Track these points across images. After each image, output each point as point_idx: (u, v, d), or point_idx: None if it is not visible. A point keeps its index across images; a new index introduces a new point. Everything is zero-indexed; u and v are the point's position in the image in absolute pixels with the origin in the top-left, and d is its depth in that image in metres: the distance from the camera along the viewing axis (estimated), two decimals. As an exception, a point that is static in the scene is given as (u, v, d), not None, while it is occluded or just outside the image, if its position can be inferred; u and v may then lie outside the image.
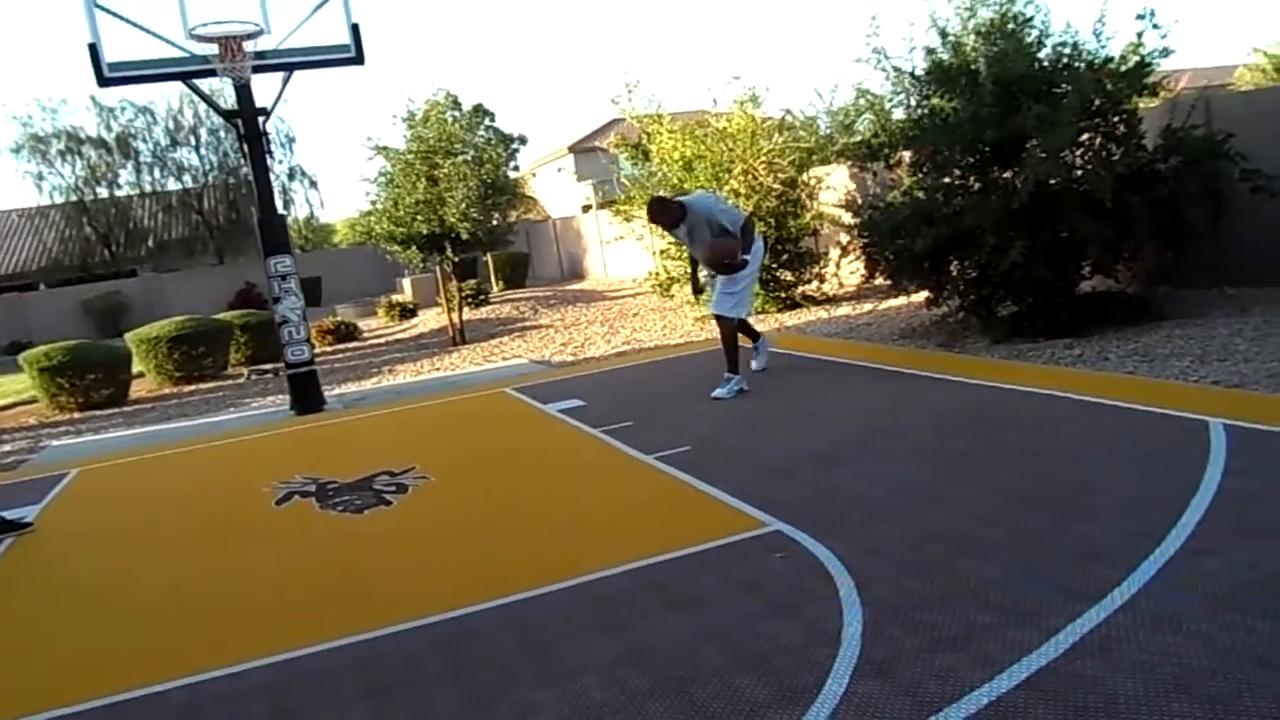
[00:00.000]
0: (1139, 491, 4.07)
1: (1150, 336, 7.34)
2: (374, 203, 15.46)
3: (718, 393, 7.26)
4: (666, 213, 7.47)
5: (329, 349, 17.25)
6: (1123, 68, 7.78)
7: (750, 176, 11.81)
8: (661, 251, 13.47)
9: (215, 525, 5.67)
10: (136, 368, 14.30)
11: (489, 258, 24.57)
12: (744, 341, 7.81)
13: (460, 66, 68.15)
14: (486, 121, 16.26)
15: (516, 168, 22.98)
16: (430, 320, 19.50)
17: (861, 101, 9.66)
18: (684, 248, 8.36)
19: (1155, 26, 7.75)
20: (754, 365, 8.00)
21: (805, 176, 12.52)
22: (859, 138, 9.75)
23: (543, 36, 72.13)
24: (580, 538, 4.52)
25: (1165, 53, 7.75)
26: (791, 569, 3.72)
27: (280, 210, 10.82)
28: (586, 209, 28.70)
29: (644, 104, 12.97)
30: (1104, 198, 7.19)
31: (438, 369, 12.49)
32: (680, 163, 12.22)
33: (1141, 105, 8.13)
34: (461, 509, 5.31)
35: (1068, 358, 7.12)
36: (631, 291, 19.18)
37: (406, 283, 24.68)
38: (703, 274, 8.16)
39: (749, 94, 12.53)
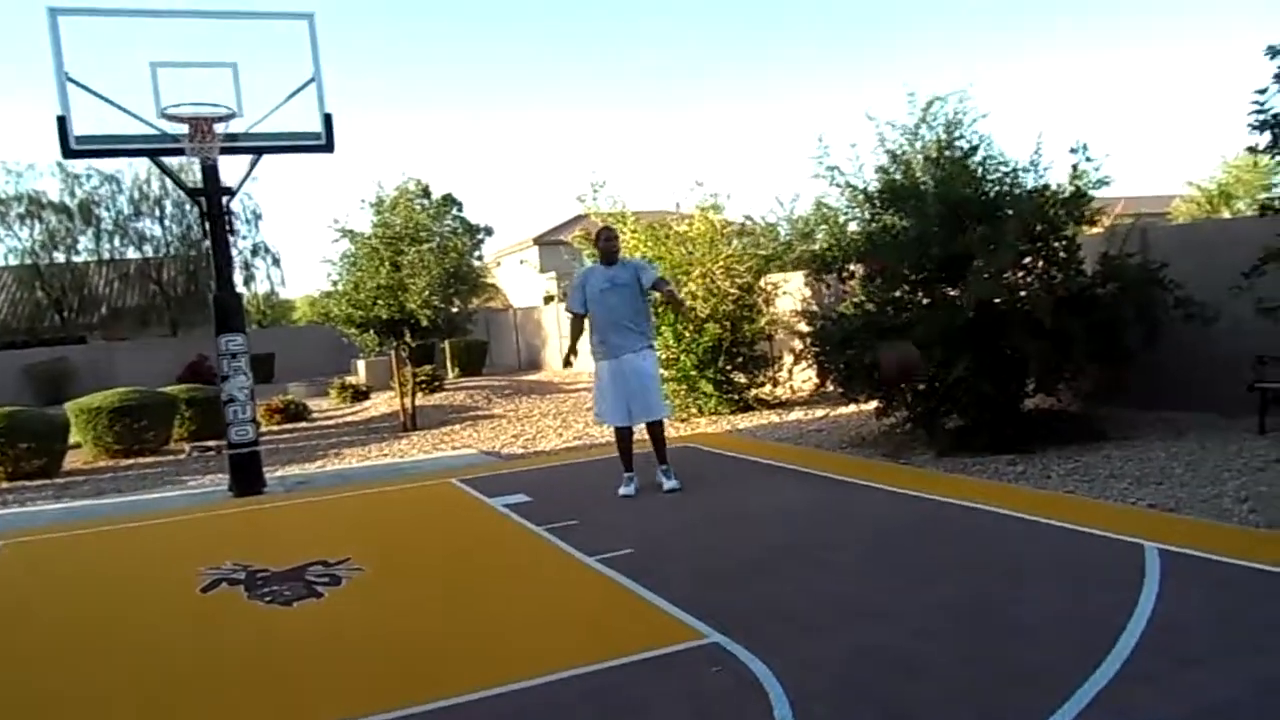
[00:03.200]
0: (1076, 614, 4.09)
1: (1091, 456, 7.48)
2: (335, 284, 15.47)
3: (671, 485, 7.43)
4: (616, 240, 7.73)
5: (276, 428, 16.95)
6: (1061, 196, 8.13)
7: (708, 280, 12.03)
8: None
9: (133, 610, 5.46)
10: (74, 438, 13.92)
11: (446, 344, 24.53)
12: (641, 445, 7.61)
13: (432, 154, 69.17)
14: (455, 211, 16.48)
15: (480, 257, 23.17)
16: (382, 404, 19.30)
17: (821, 213, 10.03)
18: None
19: (1088, 159, 8.16)
20: (666, 485, 7.51)
21: (762, 282, 12.78)
22: (818, 246, 10.06)
23: (517, 130, 73.70)
24: (515, 640, 4.42)
25: (1101, 183, 8.15)
26: (727, 684, 3.66)
27: (240, 288, 10.76)
28: (548, 300, 28.88)
29: (608, 203, 13.22)
30: (1044, 318, 7.43)
31: (385, 455, 12.32)
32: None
33: (1081, 232, 8.47)
34: (394, 605, 5.17)
35: (1010, 474, 7.22)
36: (587, 385, 19.18)
37: (361, 364, 24.49)
38: (599, 359, 7.53)
39: (711, 200, 12.86)
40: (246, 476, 9.47)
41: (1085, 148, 8.17)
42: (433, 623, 4.79)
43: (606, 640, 4.26)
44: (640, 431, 7.60)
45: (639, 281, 7.40)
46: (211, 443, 14.24)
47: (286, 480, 10.32)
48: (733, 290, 12.16)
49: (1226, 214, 25.31)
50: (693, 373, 12.13)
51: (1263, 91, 5.66)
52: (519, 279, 34.00)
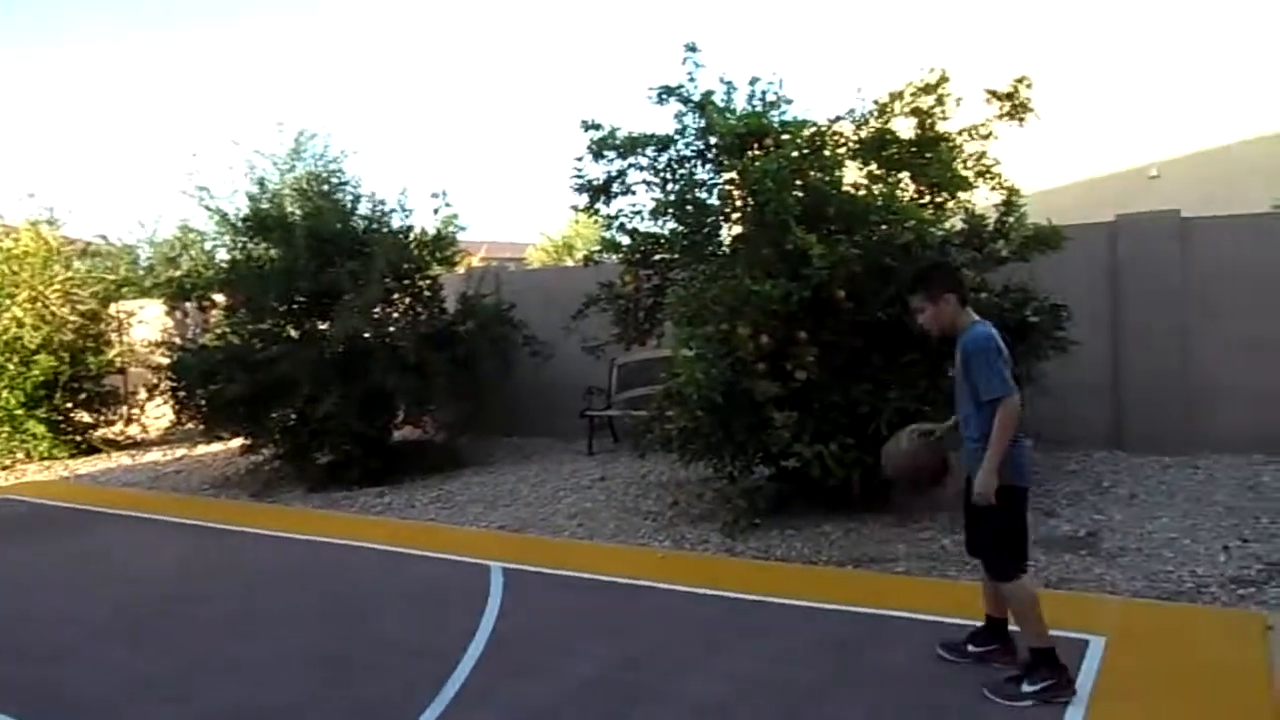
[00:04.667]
0: (425, 641, 4.22)
1: (453, 483, 7.92)
2: None
3: None
4: None
5: None
6: (426, 238, 8.57)
7: (41, 304, 10.28)
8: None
9: None
10: None
11: None
12: None
13: None
14: None
15: None
16: None
17: (190, 236, 9.28)
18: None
19: (447, 205, 8.76)
20: None
21: (114, 309, 11.33)
22: (181, 271, 9.26)
23: None
24: None
25: (460, 228, 8.76)
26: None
27: None
28: None
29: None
30: (410, 354, 7.72)
31: None
32: (-51, 281, 10.17)
33: (444, 272, 9.00)
34: None
35: (379, 505, 7.31)
36: None
37: None
38: None
39: (47, 214, 11.08)
40: None
41: (445, 194, 8.73)
42: None
43: None
44: None
45: None
46: None
47: None
48: (74, 318, 10.57)
49: (570, 262, 29.21)
50: (18, 412, 10.22)
51: (580, 159, 6.56)
52: None
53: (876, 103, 6.05)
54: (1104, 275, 7.26)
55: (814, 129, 5.93)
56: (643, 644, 4.09)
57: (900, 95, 6.01)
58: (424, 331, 8.11)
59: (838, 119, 6.09)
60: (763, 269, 5.53)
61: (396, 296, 8.45)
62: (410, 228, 8.65)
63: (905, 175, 6.00)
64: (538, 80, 70.46)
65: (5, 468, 10.13)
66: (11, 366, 10.14)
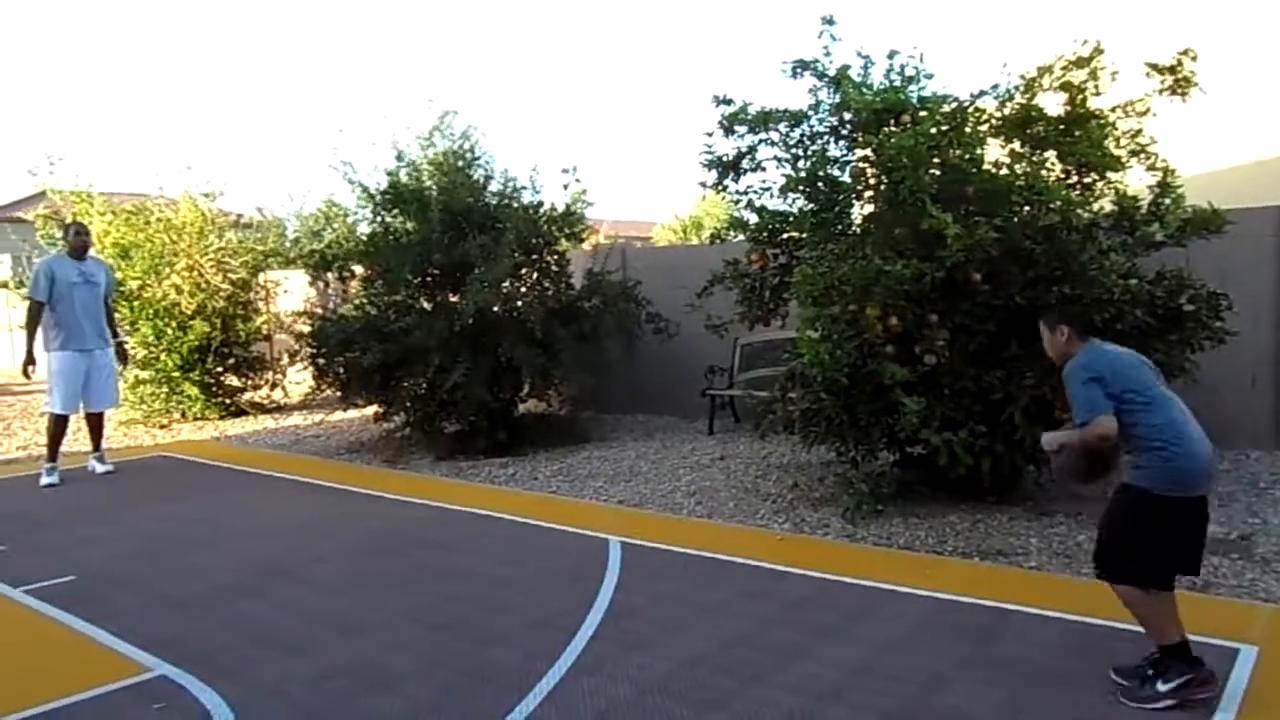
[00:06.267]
0: (544, 611, 4.28)
1: (574, 457, 8.03)
2: None
3: (106, 468, 8.03)
4: (88, 235, 8.11)
5: None
6: (555, 213, 8.66)
7: (196, 273, 10.90)
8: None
9: None
10: None
11: None
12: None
13: None
14: None
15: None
16: None
17: (334, 209, 9.67)
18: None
19: (577, 181, 8.82)
20: (100, 469, 8.07)
21: (262, 278, 11.93)
22: (323, 243, 9.66)
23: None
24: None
25: (588, 204, 8.81)
26: (171, 724, 3.24)
27: None
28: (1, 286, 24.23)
29: (71, 180, 11.38)
30: (537, 328, 7.84)
31: None
32: (115, 249, 10.86)
33: (571, 248, 9.09)
34: None
35: (503, 476, 7.48)
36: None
37: None
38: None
39: (206, 187, 11.70)
40: None
41: (575, 170, 8.80)
42: None
43: (26, 686, 3.56)
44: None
45: (110, 286, 8.05)
46: None
47: None
48: (225, 286, 11.16)
49: (696, 241, 29.08)
50: (175, 374, 10.90)
51: (710, 135, 6.49)
52: (-40, 259, 28.14)
53: (1023, 77, 5.76)
54: (1270, 262, 6.76)
55: (954, 105, 5.69)
56: (757, 625, 4.04)
57: (1049, 69, 5.70)
58: (551, 306, 8.22)
59: (980, 94, 5.83)
60: (894, 249, 5.36)
61: (525, 271, 8.59)
62: (540, 203, 8.76)
63: (1051, 154, 5.71)
64: (670, 58, 70.26)
65: (163, 426, 10.82)
66: (170, 331, 10.79)
